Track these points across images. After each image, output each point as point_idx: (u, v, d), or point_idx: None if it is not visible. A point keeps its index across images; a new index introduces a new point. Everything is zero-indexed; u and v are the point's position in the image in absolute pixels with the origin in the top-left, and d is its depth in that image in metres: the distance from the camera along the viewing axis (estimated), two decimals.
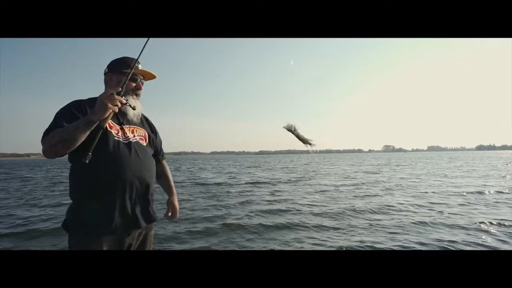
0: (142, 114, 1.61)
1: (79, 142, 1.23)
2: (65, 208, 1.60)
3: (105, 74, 1.50)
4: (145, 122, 1.63)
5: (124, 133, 1.43)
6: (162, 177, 1.77)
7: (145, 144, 1.52)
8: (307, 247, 3.98)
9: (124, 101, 1.28)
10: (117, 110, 1.26)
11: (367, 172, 16.86)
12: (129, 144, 1.42)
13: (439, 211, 5.80)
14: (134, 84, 1.47)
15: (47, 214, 6.14)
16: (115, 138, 1.39)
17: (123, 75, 1.40)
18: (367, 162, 33.51)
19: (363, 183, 11.14)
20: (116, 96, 1.22)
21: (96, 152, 1.26)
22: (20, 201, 8.09)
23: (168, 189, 1.78)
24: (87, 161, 1.21)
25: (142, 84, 1.53)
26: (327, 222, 5.17)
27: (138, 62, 1.45)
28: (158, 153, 1.68)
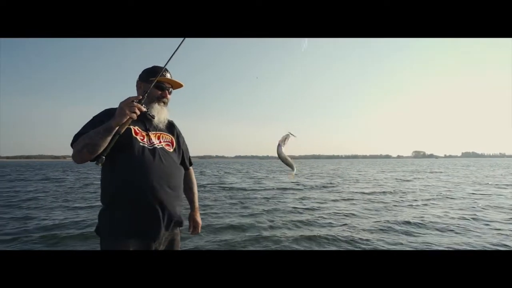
0: (170, 120, 1.64)
1: (102, 147, 1.26)
2: (94, 212, 1.58)
3: (136, 82, 1.56)
4: (173, 128, 1.64)
5: (149, 139, 1.46)
6: (186, 190, 1.75)
7: (171, 150, 1.53)
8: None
9: (144, 109, 1.32)
10: (135, 117, 1.29)
11: (402, 180, 15.53)
12: (153, 150, 1.43)
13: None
14: (160, 92, 1.51)
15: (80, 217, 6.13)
16: (140, 144, 1.41)
17: (151, 84, 1.45)
18: (400, 168, 31.78)
19: (402, 192, 10.17)
20: (135, 104, 1.27)
21: (122, 158, 1.35)
22: (57, 202, 8.22)
23: (191, 203, 1.80)
24: (99, 165, 1.27)
25: (170, 92, 1.57)
26: (392, 239, 4.28)
27: (167, 70, 1.52)
28: (185, 160, 1.69)
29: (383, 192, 10.21)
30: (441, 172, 23.51)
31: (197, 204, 1.80)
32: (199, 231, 1.79)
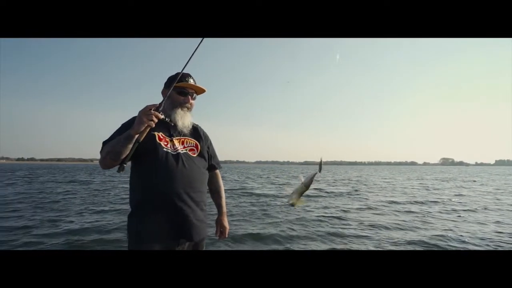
0: (196, 125, 1.65)
1: (123, 155, 1.30)
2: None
3: (162, 90, 1.58)
4: (198, 133, 1.64)
5: (173, 144, 1.47)
6: (213, 193, 1.77)
7: (195, 155, 1.54)
8: None
9: (161, 116, 1.33)
10: (153, 125, 1.30)
11: (433, 188, 14.55)
12: (177, 156, 1.45)
13: None
14: (182, 98, 1.53)
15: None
16: (164, 149, 1.43)
17: (175, 90, 1.49)
18: (428, 176, 29.70)
19: (434, 201, 9.35)
20: (153, 112, 1.28)
21: (146, 163, 1.40)
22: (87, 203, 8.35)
23: (218, 207, 1.78)
24: (120, 173, 1.31)
25: (194, 98, 1.58)
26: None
27: (190, 76, 1.54)
28: (211, 163, 1.69)
29: (416, 201, 9.39)
30: (474, 181, 22.14)
31: (224, 208, 1.78)
32: (226, 236, 1.76)
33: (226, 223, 1.75)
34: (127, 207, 1.48)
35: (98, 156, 1.41)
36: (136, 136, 1.29)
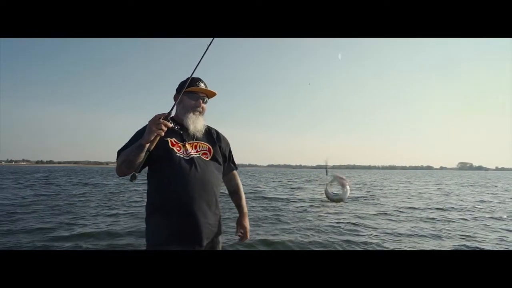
0: (209, 127, 1.66)
1: (137, 163, 1.33)
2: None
3: (174, 95, 1.58)
4: (211, 136, 1.63)
5: (186, 149, 1.48)
6: (232, 194, 1.76)
7: (208, 159, 1.54)
8: None
9: (170, 125, 1.34)
10: (163, 134, 1.32)
11: (455, 194, 13.86)
12: (190, 160, 1.46)
13: None
14: (194, 102, 1.54)
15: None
16: (177, 154, 1.45)
17: (185, 95, 1.51)
18: (448, 181, 27.56)
19: (456, 208, 8.87)
20: (162, 121, 1.29)
21: (160, 170, 1.43)
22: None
23: (238, 208, 1.77)
24: (133, 181, 1.33)
25: (205, 102, 1.59)
26: None
27: (200, 80, 1.56)
28: (228, 164, 1.69)
29: (443, 208, 8.91)
30: (496, 186, 21.25)
31: (245, 208, 1.76)
32: (248, 237, 1.73)
33: (246, 224, 1.72)
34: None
35: (113, 160, 1.46)
36: (147, 145, 1.31)
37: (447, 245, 4.78)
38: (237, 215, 1.75)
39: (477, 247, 4.49)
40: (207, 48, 1.48)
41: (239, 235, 1.72)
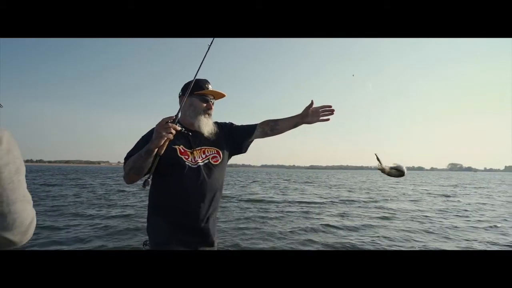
0: (217, 123, 1.64)
1: (146, 169, 1.33)
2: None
3: (179, 97, 1.56)
4: (218, 137, 1.59)
5: (193, 157, 1.47)
6: (279, 124, 1.61)
7: (217, 162, 1.53)
8: None
9: (179, 128, 1.33)
10: (172, 137, 1.30)
11: (449, 195, 14.31)
12: (197, 169, 1.45)
13: None
14: (205, 105, 1.53)
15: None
16: (185, 163, 1.44)
17: (194, 97, 1.50)
18: (446, 182, 28.02)
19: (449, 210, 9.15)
20: (170, 124, 1.28)
21: (167, 177, 1.42)
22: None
23: (293, 119, 1.59)
24: (146, 187, 1.30)
25: (213, 103, 1.57)
26: None
27: (208, 82, 1.55)
28: (248, 131, 1.63)
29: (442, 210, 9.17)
30: (485, 187, 21.61)
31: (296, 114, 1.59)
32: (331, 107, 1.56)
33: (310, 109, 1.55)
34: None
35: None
36: (156, 150, 1.30)
37: (447, 245, 4.88)
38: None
39: (471, 247, 4.60)
40: (208, 48, 1.48)
41: (325, 111, 1.56)
